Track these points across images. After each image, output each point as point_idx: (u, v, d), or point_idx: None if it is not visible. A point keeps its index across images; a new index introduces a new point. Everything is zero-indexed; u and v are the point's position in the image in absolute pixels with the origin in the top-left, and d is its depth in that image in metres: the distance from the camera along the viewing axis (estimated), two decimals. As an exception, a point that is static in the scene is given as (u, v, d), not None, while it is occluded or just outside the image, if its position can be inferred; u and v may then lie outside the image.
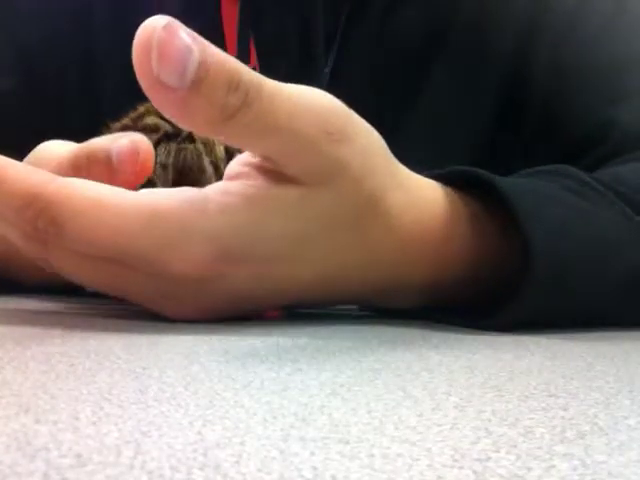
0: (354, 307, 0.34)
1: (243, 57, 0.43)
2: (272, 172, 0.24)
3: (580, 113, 0.42)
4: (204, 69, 0.21)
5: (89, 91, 0.45)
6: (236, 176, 0.25)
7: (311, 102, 0.24)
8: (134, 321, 0.26)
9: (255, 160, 0.25)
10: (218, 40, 0.48)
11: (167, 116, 0.22)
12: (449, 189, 0.29)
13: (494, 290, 0.28)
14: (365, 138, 0.25)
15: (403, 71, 0.44)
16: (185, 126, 0.22)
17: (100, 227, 0.23)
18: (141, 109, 0.33)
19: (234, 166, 0.25)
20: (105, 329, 0.23)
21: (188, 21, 0.47)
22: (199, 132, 0.22)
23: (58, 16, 0.46)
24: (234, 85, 0.21)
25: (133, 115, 0.32)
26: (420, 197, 0.27)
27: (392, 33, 0.44)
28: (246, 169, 0.25)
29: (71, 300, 0.34)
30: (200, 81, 0.21)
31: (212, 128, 0.22)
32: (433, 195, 0.28)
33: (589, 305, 0.29)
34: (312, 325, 0.27)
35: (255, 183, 0.24)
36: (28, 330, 0.22)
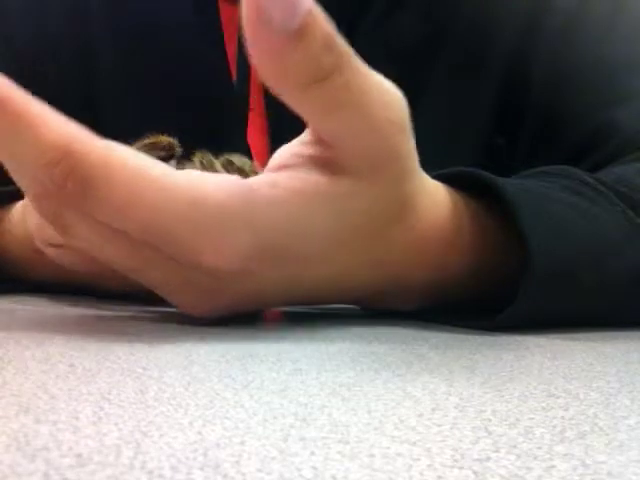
0: (355, 307, 0.34)
1: (243, 59, 0.43)
2: (326, 161, 0.23)
3: (580, 114, 0.42)
4: (312, 17, 0.19)
5: (87, 91, 0.45)
6: (283, 167, 0.23)
7: (379, 84, 0.23)
8: (135, 321, 0.26)
9: (309, 151, 0.23)
10: (217, 41, 0.48)
11: (262, 72, 0.21)
12: (452, 190, 0.29)
13: (494, 290, 0.28)
14: (413, 139, 0.25)
15: (403, 72, 0.44)
16: (277, 83, 0.21)
17: (138, 201, 0.21)
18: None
19: (280, 157, 0.24)
20: (105, 329, 0.23)
21: (187, 21, 0.47)
22: (288, 93, 0.21)
23: (55, 14, 0.46)
24: (330, 44, 0.20)
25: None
26: (435, 200, 0.27)
27: (392, 35, 0.44)
28: (295, 160, 0.23)
29: (71, 300, 0.34)
30: (305, 28, 0.19)
31: (301, 89, 0.21)
32: (443, 198, 0.28)
33: (589, 305, 0.29)
34: (312, 325, 0.27)
35: (305, 176, 0.23)
36: (28, 330, 0.22)
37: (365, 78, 0.22)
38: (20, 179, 0.22)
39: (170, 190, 0.21)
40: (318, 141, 0.23)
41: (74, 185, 0.20)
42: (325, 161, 0.23)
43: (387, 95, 0.23)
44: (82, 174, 0.20)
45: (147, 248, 0.22)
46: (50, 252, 0.29)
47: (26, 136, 0.20)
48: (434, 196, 0.27)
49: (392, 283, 0.27)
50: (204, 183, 0.22)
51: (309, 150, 0.23)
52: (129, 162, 0.21)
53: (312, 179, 0.23)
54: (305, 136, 0.24)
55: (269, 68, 0.21)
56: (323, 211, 0.23)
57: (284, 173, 0.23)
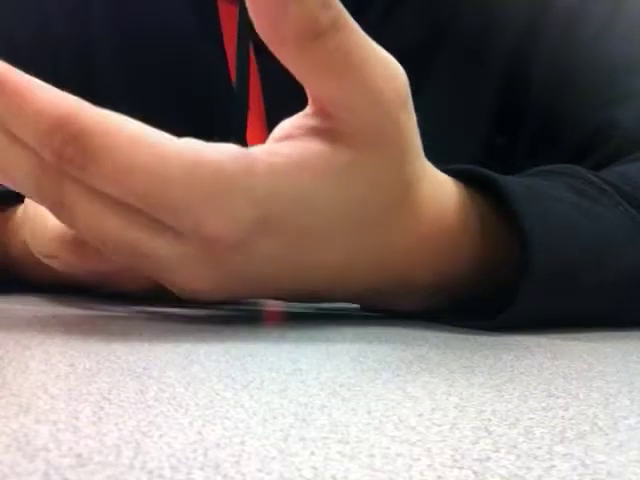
0: (355, 307, 0.34)
1: (242, 58, 0.43)
2: (327, 132, 0.23)
3: (581, 114, 0.42)
4: None
5: (87, 91, 0.45)
6: (285, 138, 0.23)
7: (383, 56, 0.23)
8: (135, 321, 0.26)
9: (311, 122, 0.23)
10: (217, 40, 0.48)
11: (257, 23, 0.21)
12: (461, 185, 0.28)
13: (495, 290, 0.28)
14: (414, 117, 0.25)
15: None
16: (271, 38, 0.21)
17: (136, 167, 0.20)
18: None
19: (281, 129, 0.24)
20: (105, 329, 0.23)
21: (187, 21, 0.48)
22: (281, 49, 0.21)
23: (55, 14, 0.46)
24: (328, 2, 0.21)
25: None
26: (440, 192, 0.27)
27: (392, 33, 0.44)
28: (296, 131, 0.23)
29: (71, 300, 0.34)
30: None
31: (296, 45, 0.21)
32: (450, 191, 0.27)
33: (589, 305, 0.29)
34: (312, 325, 0.27)
35: (305, 145, 0.23)
36: (28, 330, 0.22)
37: (364, 45, 0.22)
38: (15, 154, 0.22)
39: (167, 155, 0.21)
40: (319, 112, 0.23)
41: (74, 152, 0.20)
42: (326, 131, 0.23)
43: (389, 68, 0.23)
44: (82, 140, 0.20)
45: (146, 219, 0.22)
46: (46, 261, 0.29)
47: (26, 107, 0.20)
48: (437, 185, 0.27)
49: (394, 283, 0.27)
50: (202, 148, 0.21)
51: (310, 121, 0.23)
52: (127, 128, 0.21)
53: (313, 148, 0.23)
54: (307, 109, 0.24)
55: (266, 21, 0.21)
56: (324, 181, 0.23)
57: (285, 143, 0.23)
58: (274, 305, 0.39)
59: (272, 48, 0.21)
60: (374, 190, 0.24)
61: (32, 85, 0.21)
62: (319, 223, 0.24)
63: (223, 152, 0.21)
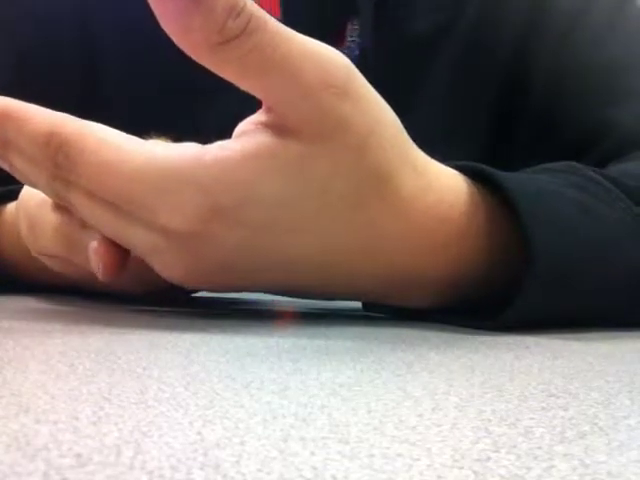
0: (356, 307, 0.34)
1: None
2: (275, 127, 0.23)
3: (579, 114, 0.42)
4: None
5: (90, 91, 0.45)
6: (241, 134, 0.24)
7: (313, 50, 0.23)
8: (134, 321, 0.26)
9: (263, 118, 0.24)
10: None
11: (167, 30, 0.21)
12: (470, 181, 0.28)
13: (496, 289, 0.28)
14: (373, 106, 0.24)
15: (403, 72, 0.44)
16: (183, 44, 0.22)
17: (102, 166, 0.23)
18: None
19: (241, 125, 0.25)
20: (105, 329, 0.23)
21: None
22: (195, 54, 0.22)
23: (56, 14, 0.46)
24: (237, 11, 0.21)
25: None
26: (437, 185, 0.26)
27: (393, 34, 0.44)
28: (252, 127, 0.24)
29: (71, 300, 0.34)
30: None
31: (208, 50, 0.22)
32: (454, 185, 0.27)
33: (590, 304, 0.29)
34: (312, 325, 0.27)
35: (255, 140, 0.23)
36: (28, 330, 0.22)
37: (286, 41, 0.22)
38: (31, 170, 0.25)
39: (125, 155, 0.23)
40: (269, 108, 0.24)
41: (63, 159, 0.23)
42: (276, 126, 0.23)
43: (321, 58, 0.23)
44: (65, 148, 0.23)
45: (121, 214, 0.24)
46: (44, 260, 0.30)
47: (25, 128, 0.24)
48: (432, 178, 0.26)
49: (400, 276, 0.27)
50: (156, 147, 0.23)
51: (263, 117, 0.24)
52: (97, 134, 0.23)
53: (262, 142, 0.23)
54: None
55: (175, 28, 0.21)
56: (272, 174, 0.23)
57: (239, 138, 0.24)
58: (274, 305, 0.39)
59: (186, 52, 0.22)
60: (336, 182, 0.24)
61: (24, 109, 0.24)
62: (274, 215, 0.24)
63: (176, 149, 0.23)
